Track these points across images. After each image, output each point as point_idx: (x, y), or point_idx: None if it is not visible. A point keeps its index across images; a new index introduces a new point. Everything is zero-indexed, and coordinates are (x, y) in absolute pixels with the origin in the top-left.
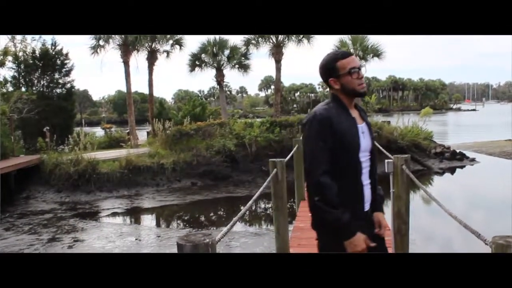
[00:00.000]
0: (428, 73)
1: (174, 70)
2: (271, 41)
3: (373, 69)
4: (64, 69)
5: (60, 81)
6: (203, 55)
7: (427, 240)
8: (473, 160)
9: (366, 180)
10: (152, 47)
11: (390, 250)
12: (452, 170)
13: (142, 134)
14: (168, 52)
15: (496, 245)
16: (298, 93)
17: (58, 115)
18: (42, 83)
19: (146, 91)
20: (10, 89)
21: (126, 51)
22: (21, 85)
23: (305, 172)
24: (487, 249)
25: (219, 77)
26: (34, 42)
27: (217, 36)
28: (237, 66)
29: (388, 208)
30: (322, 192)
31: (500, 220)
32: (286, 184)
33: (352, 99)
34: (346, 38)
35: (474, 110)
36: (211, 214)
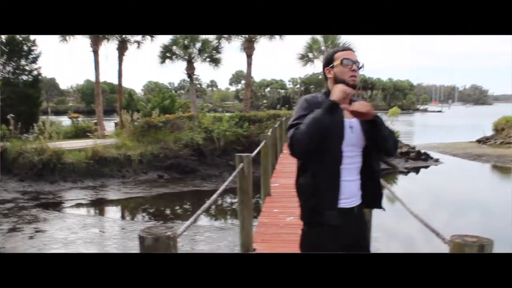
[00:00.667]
0: (397, 73)
1: (144, 61)
2: (243, 35)
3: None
4: (31, 56)
5: (27, 68)
6: (174, 47)
7: (391, 238)
8: (437, 160)
9: (351, 176)
10: (123, 37)
11: None
12: (416, 170)
13: (109, 125)
14: (139, 43)
15: (453, 244)
16: (269, 88)
17: (24, 102)
18: (7, 69)
19: (115, 81)
20: None
21: (96, 40)
22: None
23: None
24: (446, 248)
25: (190, 70)
26: None
27: None
28: (208, 59)
29: None
30: (294, 135)
31: (462, 219)
32: (253, 179)
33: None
34: (318, 36)
35: (440, 111)
36: (177, 207)
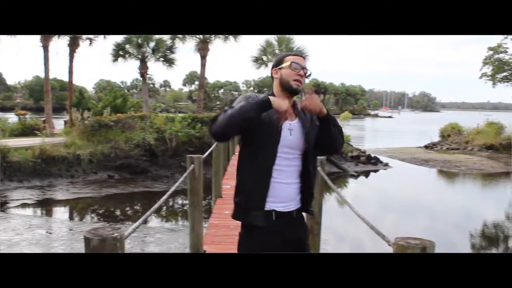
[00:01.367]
0: (350, 78)
1: (96, 59)
2: (198, 36)
3: None
4: None
5: None
6: (127, 46)
7: (340, 240)
8: (386, 164)
9: (288, 179)
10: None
11: None
12: (366, 174)
13: (59, 123)
14: (91, 40)
15: (397, 246)
16: (222, 90)
17: None
18: None
19: (65, 78)
20: None
21: (46, 36)
22: None
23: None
24: (391, 250)
25: (143, 69)
26: None
27: None
28: (162, 59)
29: None
30: (219, 115)
31: (409, 222)
32: (204, 181)
33: (287, 96)
34: (273, 39)
35: (390, 117)
36: (127, 208)
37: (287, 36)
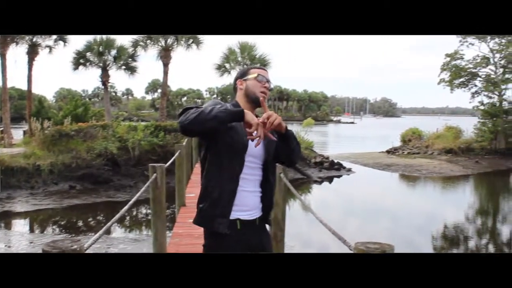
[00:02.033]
0: (312, 85)
1: (56, 67)
2: (160, 44)
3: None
4: None
5: None
6: (88, 54)
7: (305, 246)
8: (349, 170)
9: (252, 187)
10: (33, 41)
11: None
12: (330, 179)
13: (17, 133)
14: (50, 48)
15: (357, 251)
16: (185, 98)
17: None
18: None
19: (24, 87)
20: None
21: (3, 43)
22: None
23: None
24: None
25: (105, 77)
26: None
27: (104, 35)
28: (123, 67)
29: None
30: (191, 109)
31: (373, 226)
32: (167, 190)
33: (252, 107)
34: (235, 46)
35: (352, 123)
36: (90, 219)
37: (250, 43)
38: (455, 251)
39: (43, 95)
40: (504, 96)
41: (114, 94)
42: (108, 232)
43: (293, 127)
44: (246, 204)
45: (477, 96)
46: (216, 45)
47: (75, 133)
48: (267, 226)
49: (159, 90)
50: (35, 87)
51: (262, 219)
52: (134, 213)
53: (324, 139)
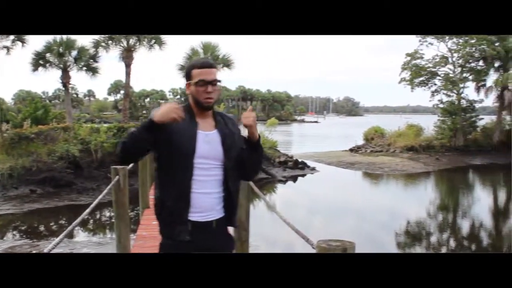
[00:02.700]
0: (276, 85)
1: (15, 68)
2: (122, 44)
3: (223, 79)
4: None
5: None
6: (48, 54)
7: (270, 245)
8: (313, 169)
9: (207, 188)
10: None
11: None
12: (294, 178)
13: None
14: (8, 48)
15: (319, 249)
16: (148, 99)
17: None
18: None
19: None
20: None
21: None
22: None
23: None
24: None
25: (65, 78)
26: None
27: (64, 36)
28: (85, 68)
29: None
30: (119, 142)
31: (337, 224)
32: (131, 192)
33: (203, 111)
34: (198, 46)
35: (316, 122)
36: (52, 223)
37: (212, 43)
38: (417, 246)
39: (1, 97)
40: (462, 95)
41: (75, 95)
42: (70, 236)
43: (258, 127)
44: (200, 206)
45: (437, 94)
46: (180, 45)
47: (35, 136)
48: (231, 228)
49: (122, 92)
50: None
51: (222, 221)
52: (98, 216)
53: (288, 139)
